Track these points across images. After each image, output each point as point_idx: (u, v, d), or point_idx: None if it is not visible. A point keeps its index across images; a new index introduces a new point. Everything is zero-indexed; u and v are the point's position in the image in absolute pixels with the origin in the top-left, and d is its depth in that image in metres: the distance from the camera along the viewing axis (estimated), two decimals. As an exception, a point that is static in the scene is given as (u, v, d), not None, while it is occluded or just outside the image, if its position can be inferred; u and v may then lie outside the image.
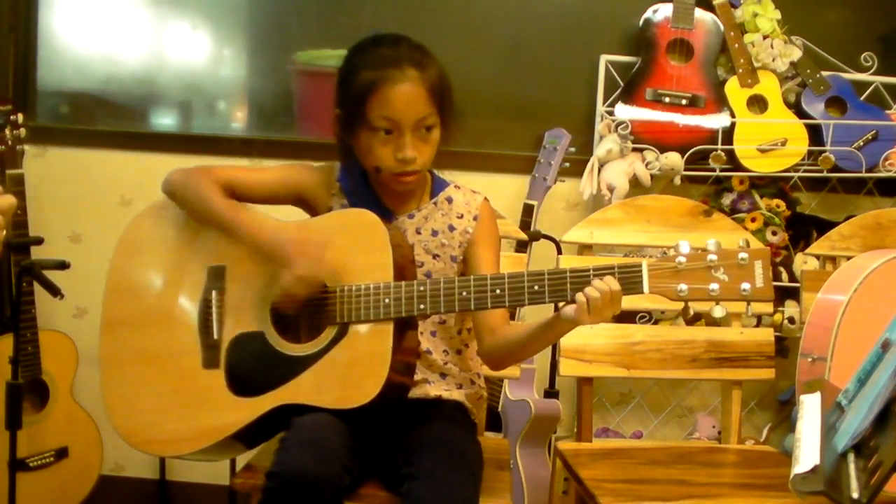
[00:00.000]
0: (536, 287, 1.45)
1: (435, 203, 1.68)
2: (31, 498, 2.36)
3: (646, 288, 1.42)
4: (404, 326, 1.52)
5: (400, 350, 1.49)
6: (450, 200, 1.69)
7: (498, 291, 1.47)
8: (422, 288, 1.48)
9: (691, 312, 1.44)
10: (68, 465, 2.46)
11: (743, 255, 1.40)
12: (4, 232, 1.17)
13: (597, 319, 1.42)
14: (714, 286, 1.41)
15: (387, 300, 1.48)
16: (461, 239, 1.67)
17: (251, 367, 1.52)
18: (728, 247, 1.42)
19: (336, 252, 1.53)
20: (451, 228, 1.67)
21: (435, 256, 1.66)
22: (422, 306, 1.48)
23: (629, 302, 1.52)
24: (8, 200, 1.18)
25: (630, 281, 1.42)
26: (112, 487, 2.69)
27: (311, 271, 1.50)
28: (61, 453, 2.45)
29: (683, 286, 1.41)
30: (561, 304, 1.47)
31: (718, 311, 1.41)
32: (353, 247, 1.52)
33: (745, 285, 1.40)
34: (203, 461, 1.68)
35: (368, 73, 1.53)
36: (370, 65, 1.54)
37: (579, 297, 1.41)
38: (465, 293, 1.48)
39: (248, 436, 1.54)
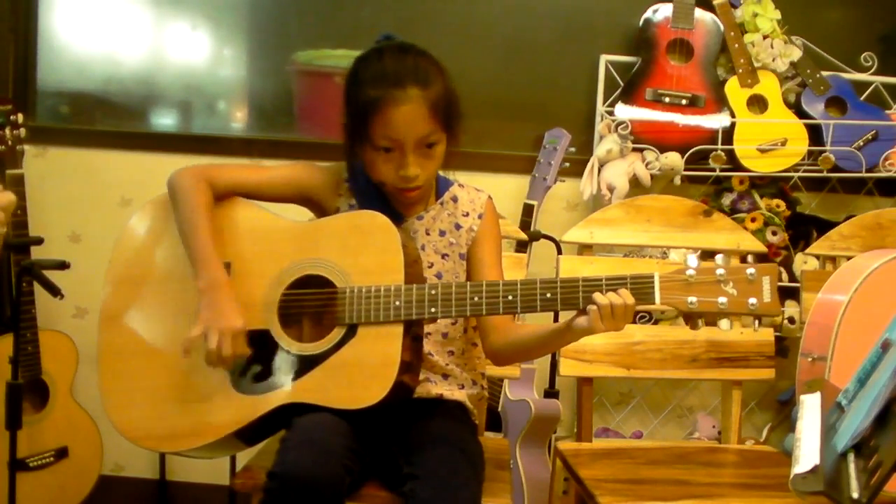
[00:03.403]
0: (549, 295, 1.46)
1: (441, 203, 1.68)
2: (31, 498, 2.36)
3: (657, 299, 1.43)
4: (412, 329, 1.52)
5: (407, 352, 1.49)
6: (455, 199, 1.69)
7: (510, 298, 1.47)
8: (433, 292, 1.48)
9: (700, 326, 1.45)
10: (68, 465, 2.46)
11: (751, 270, 1.42)
12: (5, 229, 1.18)
13: (609, 329, 1.43)
14: (723, 300, 1.42)
15: (397, 303, 1.47)
16: (468, 237, 1.67)
17: (255, 365, 1.51)
18: (737, 262, 1.43)
19: (346, 252, 1.53)
20: (458, 227, 1.67)
21: (444, 256, 1.66)
22: (433, 310, 1.48)
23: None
24: (8, 197, 1.19)
25: (642, 292, 1.44)
26: (112, 487, 2.68)
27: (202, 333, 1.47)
28: (61, 453, 2.45)
29: (693, 298, 1.43)
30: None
31: (725, 324, 1.43)
32: (363, 248, 1.52)
33: (753, 300, 1.42)
34: (201, 458, 1.67)
35: (371, 90, 1.51)
36: (373, 82, 1.52)
37: (592, 308, 1.42)
38: (476, 298, 1.48)
39: (249, 434, 1.53)
